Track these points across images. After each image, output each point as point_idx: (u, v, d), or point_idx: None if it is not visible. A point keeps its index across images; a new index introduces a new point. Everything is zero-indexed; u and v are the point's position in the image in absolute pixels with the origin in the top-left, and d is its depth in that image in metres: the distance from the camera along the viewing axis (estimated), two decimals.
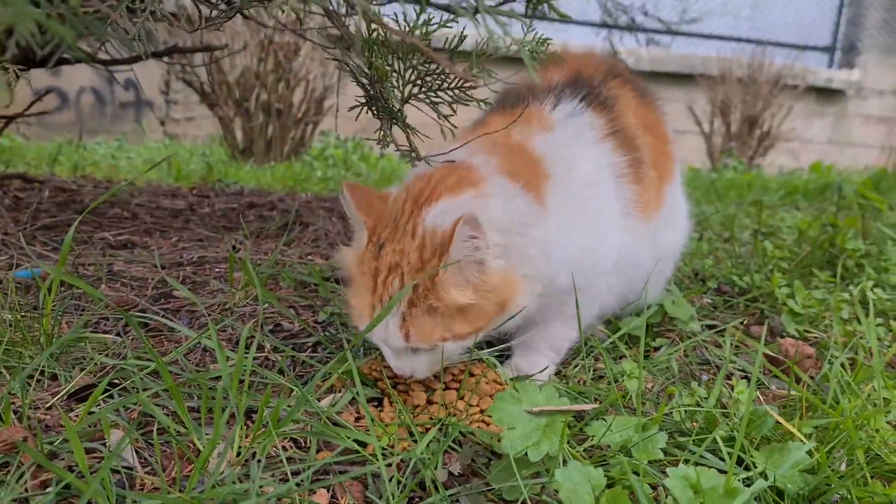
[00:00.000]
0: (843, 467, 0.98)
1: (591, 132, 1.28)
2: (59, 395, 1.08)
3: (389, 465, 0.94)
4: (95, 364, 1.16)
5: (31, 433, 0.93)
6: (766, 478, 0.93)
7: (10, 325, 1.24)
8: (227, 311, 1.51)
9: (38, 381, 1.13)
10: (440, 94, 1.24)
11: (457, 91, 1.15)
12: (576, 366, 1.30)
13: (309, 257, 2.09)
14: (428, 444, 0.97)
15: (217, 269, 1.89)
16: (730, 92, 6.36)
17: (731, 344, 1.34)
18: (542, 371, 1.22)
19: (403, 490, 0.90)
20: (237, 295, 1.59)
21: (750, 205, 3.26)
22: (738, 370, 1.31)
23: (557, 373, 1.28)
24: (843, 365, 1.18)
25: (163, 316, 1.41)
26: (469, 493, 0.91)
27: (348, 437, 0.98)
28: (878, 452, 0.99)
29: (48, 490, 0.83)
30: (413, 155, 1.26)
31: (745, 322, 1.58)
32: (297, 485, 0.88)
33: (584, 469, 0.83)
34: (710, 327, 1.53)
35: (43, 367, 1.13)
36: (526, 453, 0.89)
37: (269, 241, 2.43)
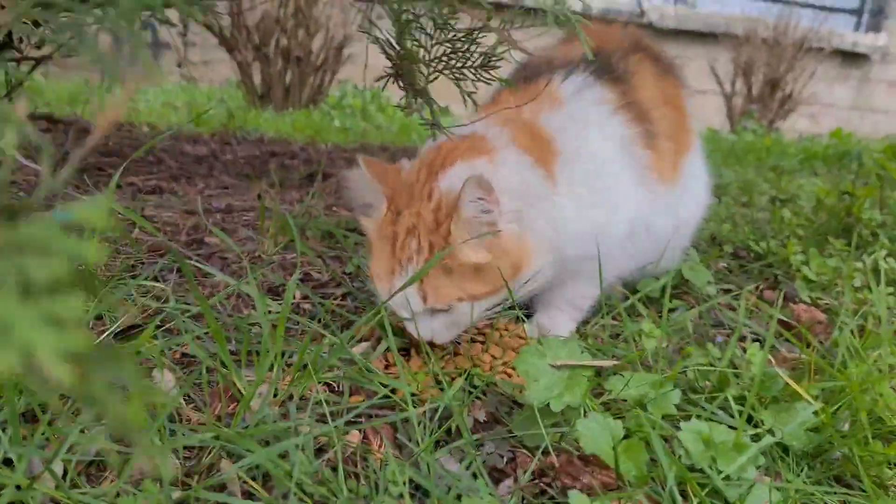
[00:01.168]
0: (846, 427, 1.04)
1: (602, 107, 1.29)
2: (106, 335, 1.14)
3: (418, 410, 1.00)
4: (138, 306, 1.22)
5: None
6: (773, 435, 0.99)
7: None
8: (257, 259, 1.56)
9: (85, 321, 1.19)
10: (464, 71, 1.26)
11: (479, 70, 1.18)
12: (595, 324, 1.35)
13: (333, 208, 2.13)
14: (455, 393, 1.03)
15: (245, 218, 1.94)
16: (753, 53, 6.28)
17: (745, 308, 1.39)
18: (563, 327, 1.27)
19: (431, 434, 0.96)
20: (266, 243, 1.64)
21: (769, 170, 3.28)
22: (752, 333, 1.36)
23: (577, 330, 1.33)
24: (852, 332, 1.23)
25: (196, 261, 1.46)
26: (493, 437, 0.98)
27: (381, 384, 1.04)
28: (880, 415, 1.04)
29: (103, 422, 0.89)
30: (435, 127, 1.29)
31: (759, 287, 1.62)
32: (335, 427, 0.95)
33: (603, 420, 0.89)
34: (726, 291, 1.58)
35: (88, 307, 1.19)
36: (548, 404, 0.95)
37: (292, 190, 2.47)
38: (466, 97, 1.19)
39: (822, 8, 7.51)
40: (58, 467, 0.81)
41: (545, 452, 0.93)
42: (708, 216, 2.15)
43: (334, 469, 0.87)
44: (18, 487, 0.76)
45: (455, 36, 1.13)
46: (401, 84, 1.23)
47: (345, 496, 0.82)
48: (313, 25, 5.10)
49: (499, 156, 1.16)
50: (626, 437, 0.89)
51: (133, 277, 1.35)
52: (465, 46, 1.14)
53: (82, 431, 0.84)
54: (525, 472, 0.90)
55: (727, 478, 0.87)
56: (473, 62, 1.17)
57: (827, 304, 1.53)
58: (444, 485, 0.87)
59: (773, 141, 4.93)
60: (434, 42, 1.17)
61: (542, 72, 1.35)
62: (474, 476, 0.90)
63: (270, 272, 1.48)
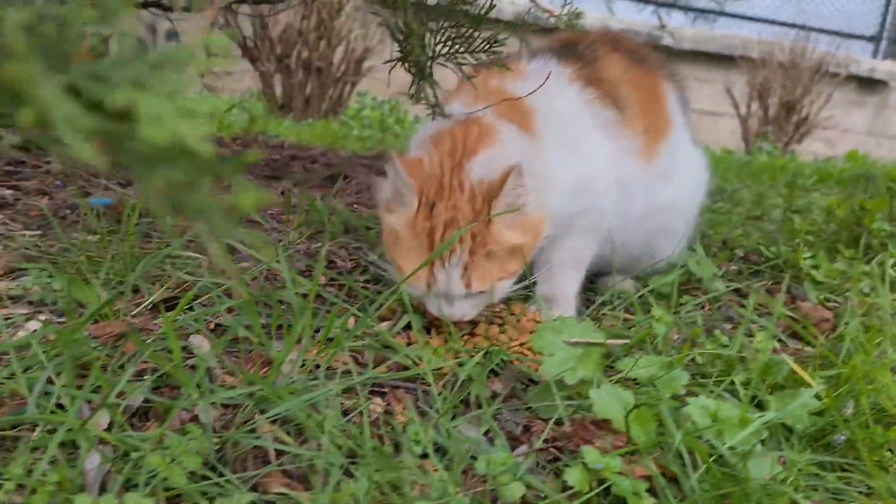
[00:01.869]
0: (848, 412, 1.08)
1: (560, 78, 1.40)
2: (143, 305, 1.20)
3: (439, 383, 1.06)
4: (173, 280, 1.28)
5: (130, 330, 1.06)
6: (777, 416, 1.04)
7: (91, 246, 1.37)
8: (283, 248, 1.63)
9: (122, 293, 1.25)
10: (466, 56, 1.34)
11: (482, 54, 1.26)
12: (603, 314, 1.40)
13: (354, 206, 2.20)
14: (474, 366, 1.09)
15: (269, 212, 2.01)
16: (769, 76, 6.33)
17: (754, 302, 1.43)
18: (566, 289, 1.35)
19: (448, 403, 1.01)
20: (291, 234, 1.71)
21: (783, 186, 3.32)
22: (759, 328, 1.40)
23: (590, 317, 1.38)
24: (857, 327, 1.27)
25: (229, 245, 1.53)
26: (509, 408, 1.03)
27: (404, 355, 1.10)
28: (883, 405, 1.09)
29: (145, 378, 0.95)
30: (437, 110, 1.35)
31: (767, 288, 1.67)
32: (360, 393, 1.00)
33: (615, 390, 0.94)
34: (735, 291, 1.62)
35: (127, 280, 1.26)
36: (563, 378, 1.00)
37: (314, 190, 2.54)
38: (467, 79, 1.27)
39: (840, 34, 7.56)
40: (104, 418, 0.87)
41: (558, 423, 0.98)
42: (719, 222, 2.21)
43: (360, 430, 0.92)
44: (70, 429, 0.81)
45: (459, 22, 1.20)
46: (406, 66, 1.29)
47: (370, 451, 0.88)
48: (335, 38, 5.21)
49: (503, 135, 1.24)
50: (635, 407, 0.94)
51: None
52: (469, 32, 1.22)
53: (128, 382, 0.89)
54: (539, 438, 0.95)
55: (731, 449, 0.92)
56: (476, 47, 1.24)
57: (834, 305, 1.57)
58: (462, 446, 0.92)
59: (787, 161, 4.97)
60: (440, 27, 1.25)
61: (508, 58, 1.44)
62: (491, 442, 0.95)
63: (296, 258, 1.54)
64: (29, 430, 0.85)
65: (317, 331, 1.17)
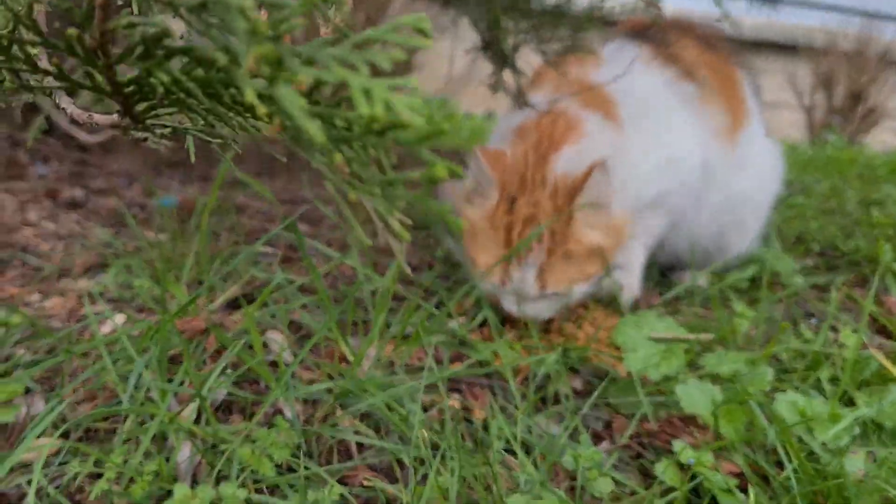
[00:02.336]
0: None
1: (640, 59, 1.37)
2: (218, 302, 1.22)
3: (517, 379, 1.05)
4: (244, 277, 1.30)
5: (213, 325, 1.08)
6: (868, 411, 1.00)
7: (165, 245, 1.40)
8: (345, 247, 1.64)
9: (194, 289, 1.27)
10: (550, 44, 1.32)
11: (566, 41, 1.24)
12: (679, 309, 1.37)
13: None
14: (552, 362, 1.07)
15: (333, 207, 2.02)
16: (834, 64, 6.14)
17: (836, 297, 1.39)
18: (636, 255, 1.33)
19: (527, 399, 1.00)
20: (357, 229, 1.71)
21: (855, 178, 3.21)
22: (843, 324, 1.36)
23: (670, 313, 1.35)
24: None
25: (291, 245, 1.55)
26: (590, 405, 1.01)
27: (481, 351, 1.09)
28: None
29: (227, 371, 0.97)
30: (521, 100, 1.34)
31: (848, 283, 1.61)
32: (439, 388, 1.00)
33: (702, 385, 0.92)
34: (814, 286, 1.57)
35: (203, 278, 1.28)
36: (646, 374, 0.98)
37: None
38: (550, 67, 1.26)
39: None
40: (190, 410, 0.88)
41: (642, 420, 0.96)
42: (793, 215, 2.14)
43: (441, 425, 0.92)
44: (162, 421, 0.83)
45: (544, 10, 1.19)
46: (488, 56, 1.28)
47: (454, 446, 0.87)
48: None
49: (589, 128, 1.21)
50: (724, 403, 0.91)
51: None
52: (553, 20, 1.20)
53: (220, 374, 0.91)
54: (622, 435, 0.94)
55: (823, 445, 0.88)
56: (560, 34, 1.22)
57: None
58: (545, 442, 0.91)
59: (856, 152, 4.80)
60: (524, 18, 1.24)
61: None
62: (573, 439, 0.93)
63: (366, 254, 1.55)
64: (119, 423, 0.87)
65: (390, 327, 1.18)
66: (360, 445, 0.88)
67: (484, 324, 1.22)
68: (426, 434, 0.86)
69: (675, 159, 1.28)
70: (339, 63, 0.34)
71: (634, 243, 1.34)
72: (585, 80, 1.32)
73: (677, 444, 0.82)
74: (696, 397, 0.89)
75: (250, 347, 1.05)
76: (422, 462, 0.84)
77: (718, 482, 0.78)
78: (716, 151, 1.36)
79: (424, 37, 0.34)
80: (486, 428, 0.93)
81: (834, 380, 1.08)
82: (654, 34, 1.45)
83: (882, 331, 1.33)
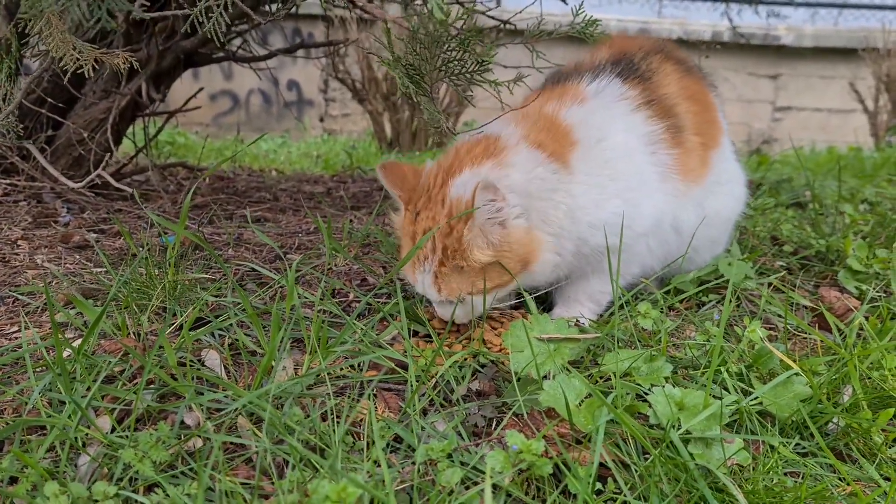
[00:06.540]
0: (845, 399, 1.03)
1: (624, 102, 1.36)
2: (174, 326, 1.34)
3: (429, 384, 1.11)
4: (202, 302, 1.41)
5: (144, 347, 1.19)
6: (760, 404, 1.01)
7: (143, 275, 1.53)
8: (329, 271, 1.73)
9: (162, 316, 1.39)
10: (460, 77, 1.37)
11: (472, 75, 1.30)
12: (611, 313, 1.40)
13: None
14: (459, 368, 1.13)
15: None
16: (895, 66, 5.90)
17: (767, 294, 1.38)
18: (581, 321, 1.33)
19: (429, 402, 1.06)
20: (339, 258, 1.81)
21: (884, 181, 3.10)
22: (778, 317, 1.35)
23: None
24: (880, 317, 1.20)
25: (270, 270, 1.66)
26: (485, 404, 1.06)
27: (392, 358, 1.16)
28: (884, 387, 1.03)
29: (151, 387, 1.07)
30: (445, 129, 1.40)
31: (816, 283, 1.59)
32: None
33: (569, 381, 0.95)
34: (777, 289, 1.56)
35: (165, 305, 1.40)
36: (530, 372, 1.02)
37: (385, 216, 2.67)
38: (466, 100, 1.31)
39: None
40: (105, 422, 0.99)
41: (518, 415, 1.01)
42: (773, 219, 2.11)
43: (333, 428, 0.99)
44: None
45: (449, 47, 1.25)
46: (412, 88, 1.34)
47: (338, 445, 0.94)
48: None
49: (507, 157, 1.25)
50: (588, 395, 0.95)
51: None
52: (459, 55, 1.26)
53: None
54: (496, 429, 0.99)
55: (687, 433, 0.91)
56: (468, 68, 1.28)
57: (879, 295, 1.48)
58: (425, 439, 0.97)
59: None
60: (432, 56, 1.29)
61: (570, 75, 1.44)
62: (458, 434, 0.99)
63: (335, 279, 1.64)
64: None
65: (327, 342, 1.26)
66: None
67: (415, 334, 1.29)
68: (307, 436, 0.94)
69: (626, 217, 1.25)
70: None
71: (578, 312, 1.36)
72: (555, 120, 1.32)
73: (510, 435, 0.86)
74: (556, 392, 0.93)
75: (182, 364, 1.15)
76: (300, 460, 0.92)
77: (547, 469, 0.82)
78: (680, 199, 1.37)
79: None
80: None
81: (739, 374, 1.09)
82: (639, 63, 1.44)
83: (825, 326, 1.32)
